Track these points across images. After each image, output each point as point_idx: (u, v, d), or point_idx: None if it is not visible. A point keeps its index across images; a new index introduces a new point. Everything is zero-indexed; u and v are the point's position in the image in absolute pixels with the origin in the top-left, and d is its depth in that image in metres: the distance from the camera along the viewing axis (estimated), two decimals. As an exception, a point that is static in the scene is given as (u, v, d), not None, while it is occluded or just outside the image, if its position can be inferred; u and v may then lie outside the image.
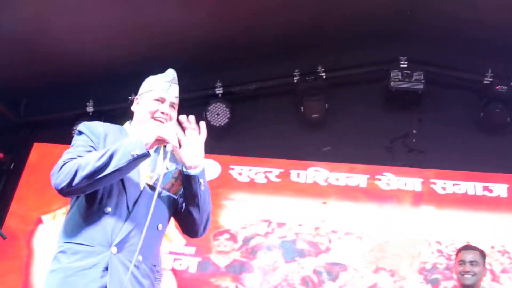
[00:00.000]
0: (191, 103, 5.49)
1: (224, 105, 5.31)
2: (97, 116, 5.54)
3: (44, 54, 5.15)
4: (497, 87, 5.07)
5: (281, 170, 5.18)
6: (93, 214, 2.09)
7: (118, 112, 5.57)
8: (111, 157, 2.01)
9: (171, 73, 2.38)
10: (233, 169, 5.23)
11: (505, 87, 5.04)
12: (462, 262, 3.61)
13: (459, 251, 3.75)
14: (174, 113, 2.33)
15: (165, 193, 2.20)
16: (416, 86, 5.11)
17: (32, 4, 4.60)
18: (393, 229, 4.85)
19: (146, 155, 2.05)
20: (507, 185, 4.92)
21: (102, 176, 2.00)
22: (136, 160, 2.03)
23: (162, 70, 5.58)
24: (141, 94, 2.36)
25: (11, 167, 5.66)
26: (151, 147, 2.08)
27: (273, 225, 4.95)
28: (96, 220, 2.08)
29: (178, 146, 2.14)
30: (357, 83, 5.43)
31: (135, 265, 2.04)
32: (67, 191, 2.05)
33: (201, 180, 2.19)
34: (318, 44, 5.29)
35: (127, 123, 2.38)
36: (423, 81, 5.10)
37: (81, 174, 2.00)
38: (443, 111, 5.27)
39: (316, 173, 5.14)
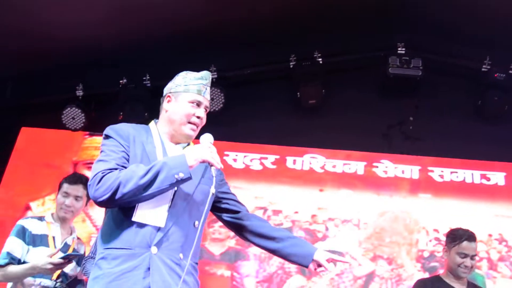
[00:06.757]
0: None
1: (218, 90, 5.18)
2: (87, 100, 5.40)
3: (32, 36, 4.99)
4: (495, 75, 5.02)
5: (277, 157, 5.09)
6: (129, 218, 2.06)
7: (108, 96, 5.44)
8: (155, 178, 1.98)
9: (208, 75, 2.32)
10: (227, 155, 5.12)
11: (503, 75, 5.00)
12: (464, 255, 3.22)
13: (461, 239, 3.26)
14: (205, 117, 2.29)
15: (199, 191, 2.18)
16: (414, 73, 5.04)
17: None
18: (390, 217, 4.79)
19: (189, 179, 2.03)
20: (504, 173, 4.92)
21: (144, 195, 2.00)
22: (179, 182, 2.02)
23: (154, 55, 5.45)
24: (174, 93, 2.27)
25: (-3, 153, 5.47)
26: (193, 167, 2.05)
27: (268, 213, 4.87)
28: (132, 223, 2.05)
29: (221, 167, 2.15)
30: (354, 69, 5.36)
31: (177, 263, 2.05)
32: (106, 204, 2.05)
33: None
34: (315, 29, 5.18)
35: (152, 122, 2.32)
36: (421, 67, 5.04)
37: (122, 191, 1.97)
38: (440, 98, 5.22)
39: (313, 159, 5.05)
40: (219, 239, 4.77)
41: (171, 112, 2.24)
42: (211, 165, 2.08)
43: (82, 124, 5.32)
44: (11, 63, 5.33)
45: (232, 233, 4.68)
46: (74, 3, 4.70)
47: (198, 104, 2.23)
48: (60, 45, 5.11)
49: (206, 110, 2.28)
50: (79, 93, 5.40)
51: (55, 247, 3.05)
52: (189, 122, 2.21)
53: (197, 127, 2.23)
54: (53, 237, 3.11)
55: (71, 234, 3.22)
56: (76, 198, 3.18)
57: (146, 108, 5.20)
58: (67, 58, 5.26)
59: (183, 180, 2.01)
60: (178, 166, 2.00)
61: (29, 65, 5.39)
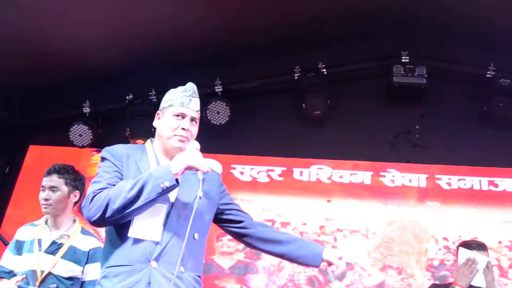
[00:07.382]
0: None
1: (224, 103, 5.19)
2: (94, 117, 5.44)
3: (39, 53, 5.02)
4: (500, 81, 5.00)
5: (284, 169, 5.10)
6: (125, 234, 2.11)
7: (115, 112, 5.48)
8: (141, 190, 2.03)
9: (190, 87, 2.36)
10: (234, 168, 5.14)
11: (508, 80, 4.97)
12: None
13: (470, 248, 3.21)
14: (195, 128, 2.32)
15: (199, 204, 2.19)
16: (419, 81, 5.03)
17: (27, 3, 4.48)
18: (398, 226, 4.78)
19: (175, 186, 2.07)
20: (512, 179, 4.88)
21: (133, 209, 2.04)
22: (166, 191, 2.06)
23: (159, 69, 5.49)
24: (162, 109, 2.35)
25: (6, 171, 5.52)
26: (181, 174, 2.09)
27: (277, 225, 4.86)
28: (130, 239, 2.10)
29: (209, 171, 2.16)
30: (358, 79, 5.35)
31: (177, 276, 2.06)
32: (100, 223, 2.11)
33: None
34: (319, 39, 5.21)
35: (148, 141, 2.38)
36: (425, 75, 5.02)
37: (112, 207, 2.02)
38: (446, 105, 5.20)
39: (320, 170, 5.06)
40: (228, 252, 4.78)
41: (159, 128, 2.32)
42: (197, 170, 2.11)
43: (90, 141, 5.35)
44: (17, 81, 5.38)
45: (241, 246, 4.76)
46: (80, 19, 4.73)
47: (183, 116, 2.27)
48: (66, 62, 5.14)
49: (194, 121, 2.31)
50: (86, 110, 5.44)
51: (39, 250, 2.91)
52: (176, 135, 2.25)
53: (185, 138, 2.26)
54: (39, 241, 2.94)
55: (67, 230, 3.00)
56: (52, 189, 2.99)
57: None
58: (73, 75, 5.31)
59: (169, 189, 2.05)
60: (163, 175, 2.05)
61: (35, 83, 5.44)
